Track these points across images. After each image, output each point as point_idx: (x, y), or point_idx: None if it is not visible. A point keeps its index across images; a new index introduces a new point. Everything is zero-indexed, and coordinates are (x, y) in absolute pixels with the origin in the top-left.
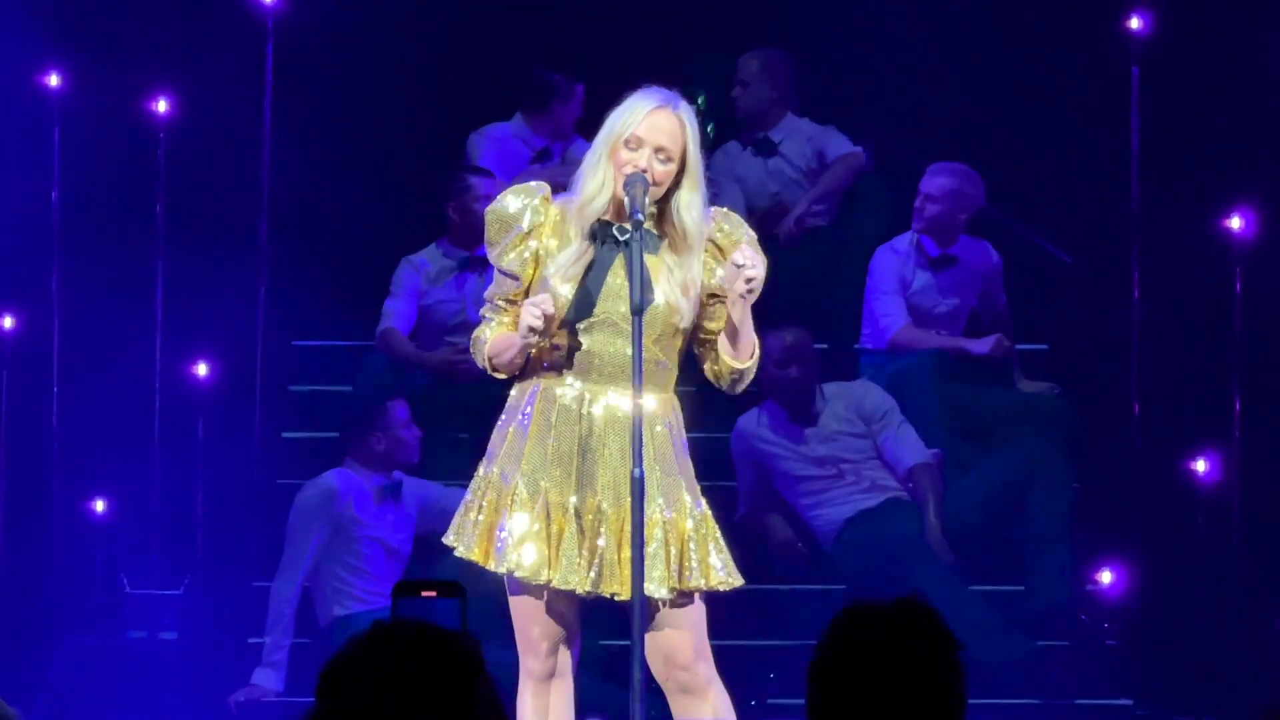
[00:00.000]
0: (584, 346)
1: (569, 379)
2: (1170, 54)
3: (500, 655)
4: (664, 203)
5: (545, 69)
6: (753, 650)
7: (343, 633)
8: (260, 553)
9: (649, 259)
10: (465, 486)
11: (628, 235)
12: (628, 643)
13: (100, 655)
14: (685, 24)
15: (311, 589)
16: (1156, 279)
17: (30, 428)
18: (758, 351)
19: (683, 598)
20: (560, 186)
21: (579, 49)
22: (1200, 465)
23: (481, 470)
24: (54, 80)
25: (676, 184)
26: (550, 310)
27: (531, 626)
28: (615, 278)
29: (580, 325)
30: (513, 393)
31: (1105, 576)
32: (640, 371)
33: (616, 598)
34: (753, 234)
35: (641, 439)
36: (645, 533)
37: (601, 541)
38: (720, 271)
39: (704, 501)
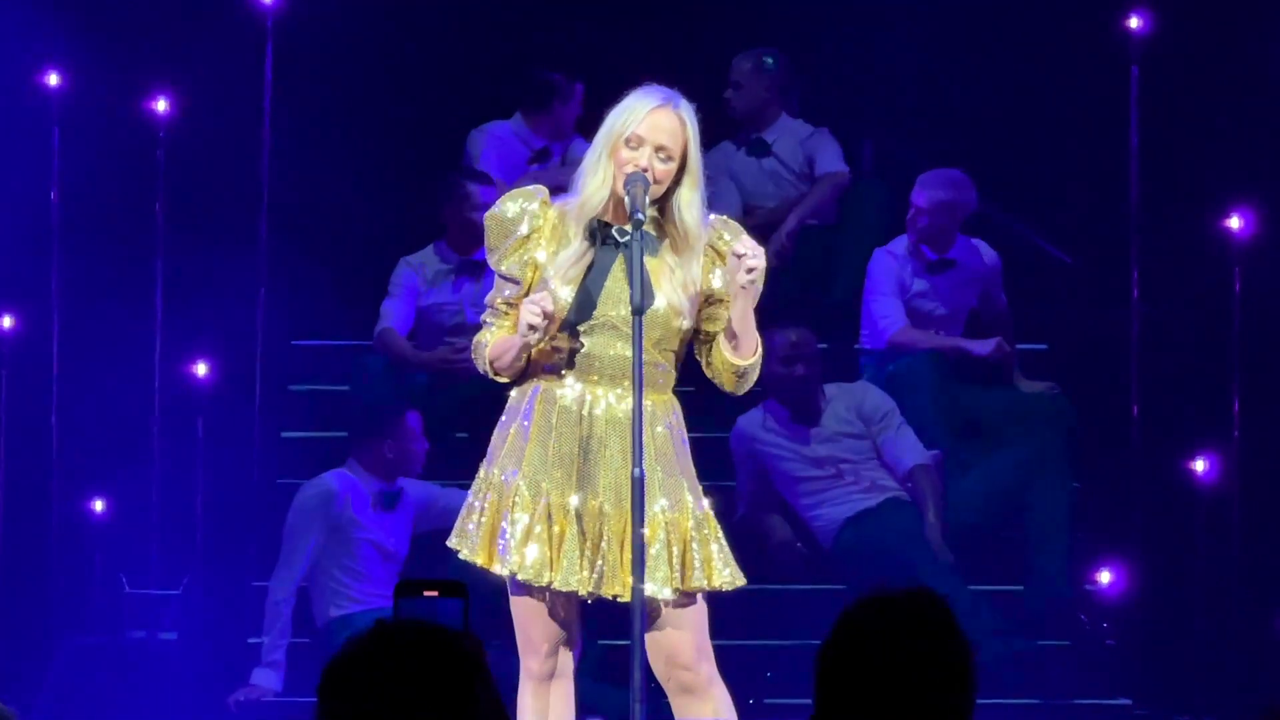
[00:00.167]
0: (584, 349)
1: (569, 380)
2: (1170, 54)
3: (500, 656)
4: (664, 202)
5: (544, 68)
6: (752, 650)
7: (340, 633)
8: (259, 552)
9: (650, 262)
10: (464, 487)
11: (627, 237)
12: (628, 643)
13: (99, 655)
14: (684, 24)
15: (308, 590)
16: (1156, 279)
17: (30, 427)
18: (760, 350)
19: (685, 597)
20: (560, 188)
21: (578, 49)
22: (1199, 465)
23: (482, 472)
24: (53, 80)
25: (677, 183)
26: (550, 308)
27: (532, 627)
28: (614, 280)
29: (580, 327)
30: (513, 394)
31: (1104, 576)
32: (640, 372)
33: (619, 599)
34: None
35: (642, 438)
36: (648, 533)
37: (603, 543)
38: (720, 274)
39: (706, 501)
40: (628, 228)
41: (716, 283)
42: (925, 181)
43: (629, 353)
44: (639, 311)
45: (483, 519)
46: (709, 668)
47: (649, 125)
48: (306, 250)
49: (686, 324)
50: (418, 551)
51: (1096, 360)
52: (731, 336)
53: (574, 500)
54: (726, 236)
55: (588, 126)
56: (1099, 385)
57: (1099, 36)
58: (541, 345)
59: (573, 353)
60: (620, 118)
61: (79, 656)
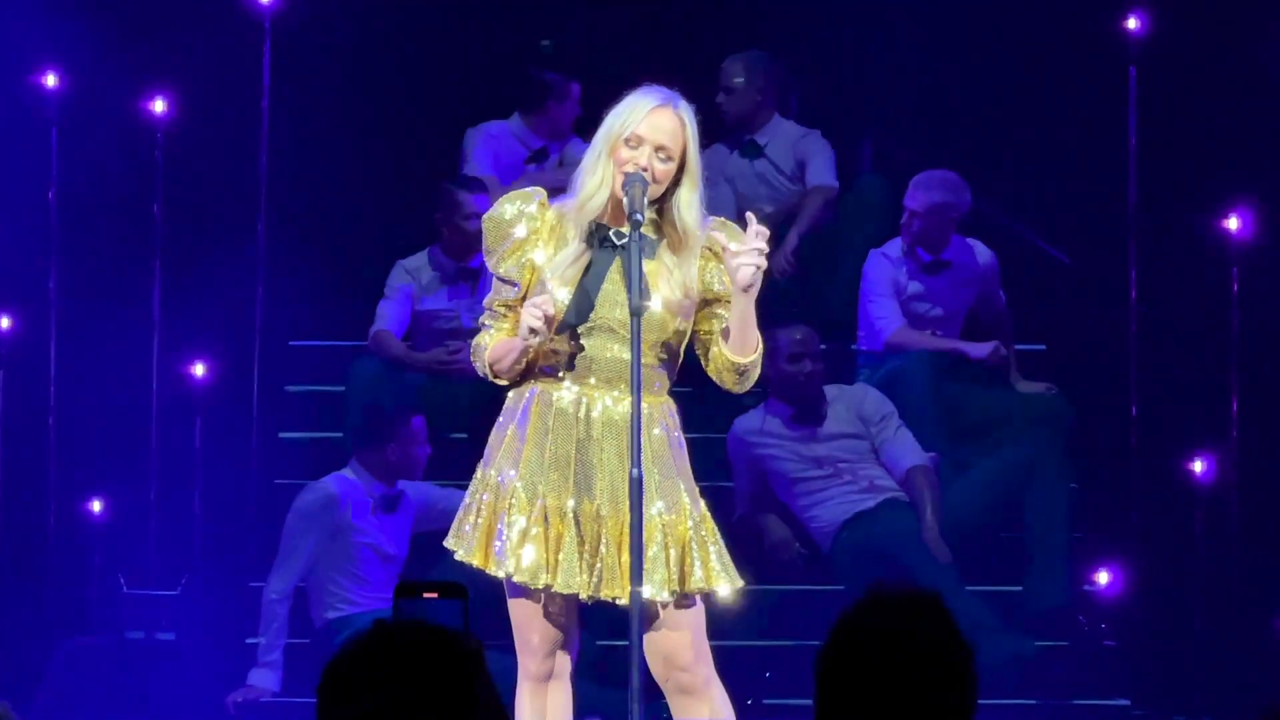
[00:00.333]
0: (581, 351)
1: (566, 382)
2: (1167, 54)
3: (498, 657)
4: (663, 202)
5: (541, 68)
6: (750, 650)
7: (338, 634)
8: (258, 553)
9: (647, 264)
10: (463, 488)
11: (624, 240)
12: (625, 643)
13: (98, 655)
14: (684, 24)
15: (305, 591)
16: (1154, 279)
17: (27, 428)
18: (761, 348)
19: (683, 599)
20: (558, 189)
21: (577, 48)
22: (1198, 465)
23: (479, 473)
24: (51, 80)
25: (676, 183)
26: (550, 311)
27: (530, 629)
28: (612, 282)
29: (578, 329)
30: (510, 395)
31: (1103, 577)
32: (638, 372)
33: (618, 601)
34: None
35: (640, 439)
36: (645, 535)
37: (601, 546)
38: (718, 275)
39: (703, 503)
40: (625, 230)
41: (715, 284)
42: (918, 184)
43: (625, 355)
44: (637, 313)
45: (479, 520)
46: (707, 669)
47: (649, 125)
48: (304, 251)
49: (683, 326)
50: (418, 552)
51: (1095, 361)
52: (732, 335)
53: (570, 503)
54: (723, 238)
55: (586, 128)
56: (1097, 386)
57: (1097, 37)
58: (540, 346)
59: (570, 355)
60: (620, 117)
61: (77, 657)
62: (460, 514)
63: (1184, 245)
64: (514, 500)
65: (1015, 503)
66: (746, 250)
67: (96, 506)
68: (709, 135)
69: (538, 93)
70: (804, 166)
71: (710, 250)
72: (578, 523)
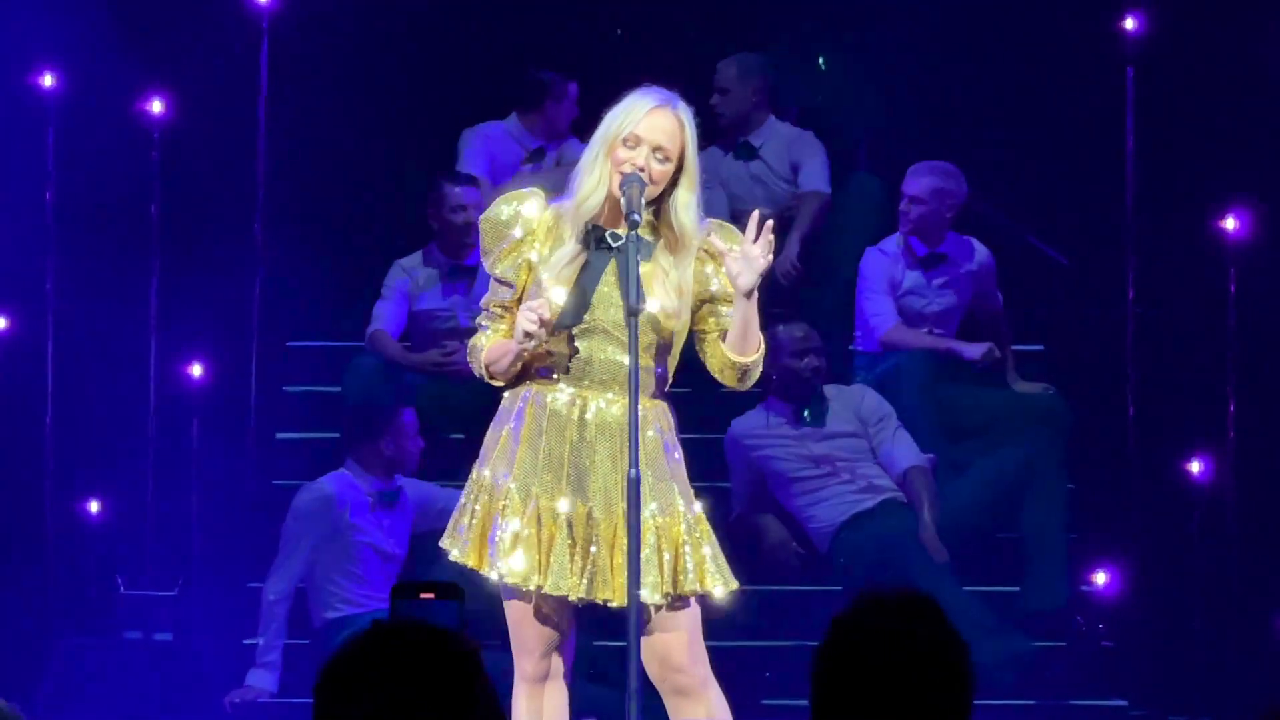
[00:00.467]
0: (576, 353)
1: (560, 384)
2: (1165, 54)
3: (495, 658)
4: (660, 203)
5: (538, 68)
6: (748, 651)
7: (337, 634)
8: (255, 554)
9: (643, 265)
10: (461, 488)
11: (620, 242)
12: (622, 644)
13: (95, 656)
14: (683, 24)
15: (306, 593)
16: (1151, 280)
17: (25, 429)
18: (763, 347)
19: (678, 601)
20: (556, 189)
21: (575, 48)
22: (1195, 466)
23: (475, 473)
24: (48, 80)
25: (674, 184)
26: (546, 315)
27: (525, 630)
28: (607, 284)
29: (573, 331)
30: (505, 396)
31: (1100, 577)
32: (636, 373)
33: (609, 604)
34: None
35: (637, 440)
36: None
37: (593, 548)
38: (716, 276)
39: (699, 505)
40: (621, 232)
41: (712, 284)
42: (916, 171)
43: (620, 357)
44: (634, 314)
45: (474, 521)
46: (703, 670)
47: (647, 125)
48: (302, 251)
49: (679, 328)
50: (417, 551)
51: (1092, 361)
52: (734, 336)
53: (563, 505)
54: (721, 240)
55: (584, 129)
56: (1094, 386)
57: (1095, 37)
58: (537, 348)
59: (564, 356)
60: (618, 117)
61: (75, 657)
62: (455, 514)
63: (1182, 246)
64: (508, 501)
65: (1013, 503)
66: (754, 254)
67: (94, 507)
68: (703, 137)
69: (535, 93)
70: (797, 169)
71: (707, 252)
72: (570, 525)
